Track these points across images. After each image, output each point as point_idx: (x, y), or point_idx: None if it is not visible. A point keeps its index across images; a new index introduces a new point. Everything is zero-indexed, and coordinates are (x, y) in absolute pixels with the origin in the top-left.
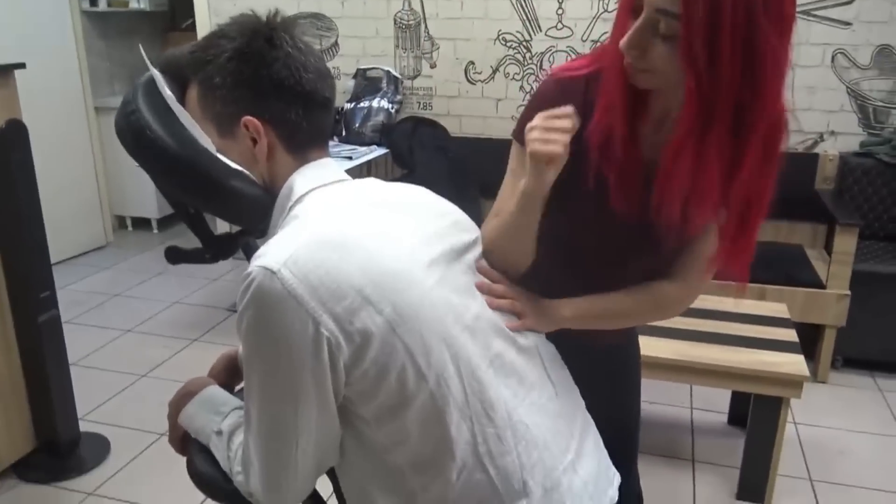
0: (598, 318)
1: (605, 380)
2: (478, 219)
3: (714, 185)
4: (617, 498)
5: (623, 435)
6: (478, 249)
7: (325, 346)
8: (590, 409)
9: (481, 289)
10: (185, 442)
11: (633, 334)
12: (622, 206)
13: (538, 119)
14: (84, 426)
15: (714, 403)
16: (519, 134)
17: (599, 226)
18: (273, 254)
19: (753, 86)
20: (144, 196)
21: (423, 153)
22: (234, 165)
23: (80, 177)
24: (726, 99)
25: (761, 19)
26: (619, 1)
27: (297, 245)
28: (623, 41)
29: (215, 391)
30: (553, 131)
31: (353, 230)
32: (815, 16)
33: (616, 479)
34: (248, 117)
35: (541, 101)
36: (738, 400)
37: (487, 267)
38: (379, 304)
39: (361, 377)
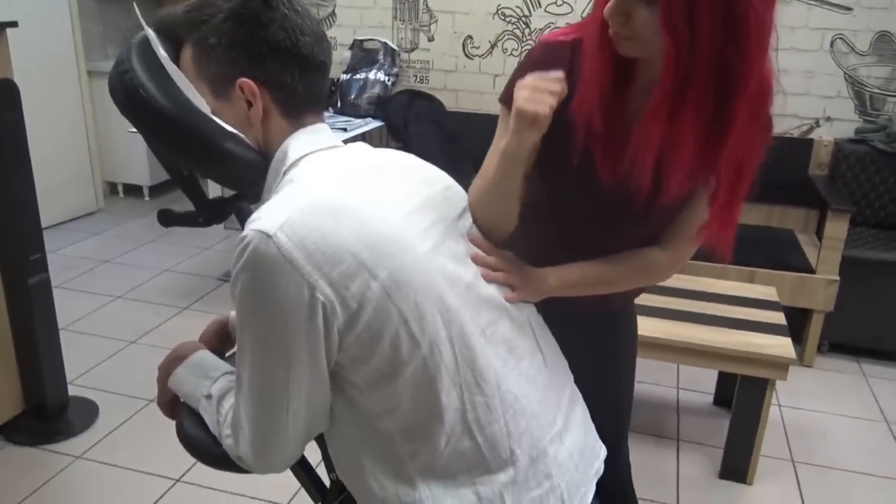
0: (585, 285)
1: (599, 349)
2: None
3: (687, 147)
4: (602, 470)
5: (615, 406)
6: (469, 217)
7: (319, 311)
8: (582, 378)
9: (475, 260)
10: (174, 406)
11: (630, 304)
12: (609, 176)
13: (529, 78)
14: (73, 390)
15: (700, 384)
16: (507, 98)
17: (585, 203)
18: (269, 217)
19: (737, 48)
20: (136, 163)
21: (419, 127)
22: (228, 128)
23: (72, 141)
24: (706, 62)
25: None
26: None
27: (293, 209)
28: (607, 7)
29: (205, 356)
30: (542, 92)
31: (348, 195)
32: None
33: (602, 452)
34: (244, 79)
35: (530, 64)
36: (725, 381)
37: (480, 237)
38: (375, 270)
39: (355, 342)
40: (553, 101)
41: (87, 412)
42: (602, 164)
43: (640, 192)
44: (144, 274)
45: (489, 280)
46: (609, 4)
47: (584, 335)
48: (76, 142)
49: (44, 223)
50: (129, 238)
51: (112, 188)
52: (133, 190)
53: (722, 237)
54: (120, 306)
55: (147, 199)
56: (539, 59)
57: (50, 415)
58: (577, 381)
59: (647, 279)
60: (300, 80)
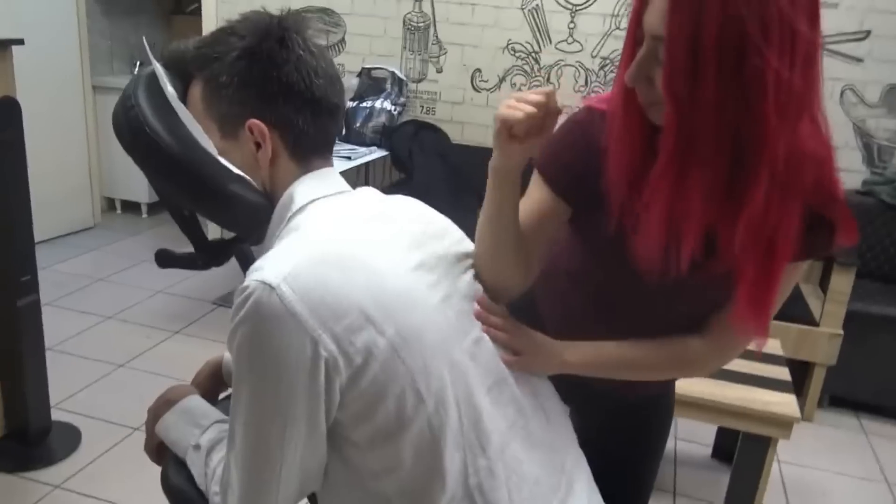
0: (608, 367)
1: (622, 433)
2: (475, 228)
3: (695, 218)
4: None
5: (633, 492)
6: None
7: (322, 367)
8: (600, 460)
9: (478, 316)
10: (161, 452)
11: (663, 393)
12: (638, 251)
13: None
14: (56, 414)
15: (698, 436)
16: (541, 165)
17: (618, 277)
18: (272, 268)
19: (750, 113)
20: (135, 179)
21: (423, 158)
22: (234, 169)
23: (72, 155)
24: (710, 127)
25: (756, 39)
26: (626, 34)
27: (298, 260)
28: (627, 74)
29: (196, 402)
30: (520, 102)
31: (356, 247)
32: (827, 49)
33: None
34: (254, 120)
35: (567, 126)
36: (723, 434)
37: (487, 300)
38: (382, 325)
39: (357, 398)
40: (530, 108)
41: (70, 438)
42: (630, 237)
43: (651, 267)
44: (138, 294)
45: (491, 338)
46: (629, 70)
47: (607, 416)
48: (77, 155)
49: (39, 237)
50: (125, 256)
51: (110, 204)
52: (131, 206)
53: (754, 320)
54: (110, 327)
55: (145, 216)
56: (579, 121)
57: (31, 440)
58: (595, 461)
59: (682, 370)
60: (312, 123)
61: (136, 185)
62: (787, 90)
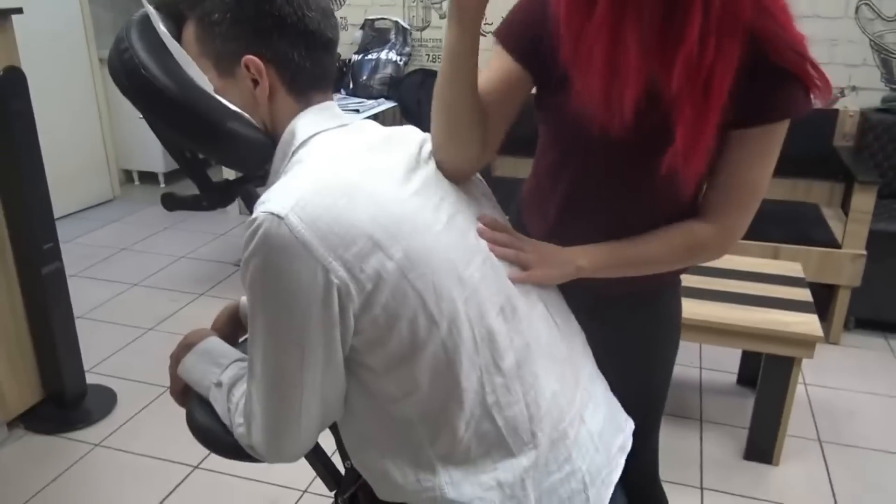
0: (622, 265)
1: (628, 335)
2: (484, 171)
3: (633, 65)
4: (630, 446)
5: (644, 399)
6: (476, 186)
7: (334, 295)
8: (608, 367)
9: (482, 234)
10: (185, 395)
11: (666, 284)
12: (584, 106)
13: None
14: (91, 378)
15: (723, 363)
16: (500, 33)
17: (590, 147)
18: (279, 199)
19: None
20: (151, 150)
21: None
22: (232, 107)
23: (85, 130)
24: None
25: None
26: None
27: (304, 190)
28: None
29: (215, 343)
30: None
31: (360, 174)
32: None
33: (628, 426)
34: (249, 56)
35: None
36: (748, 360)
37: (490, 217)
38: (389, 249)
39: (371, 324)
40: None
41: (106, 400)
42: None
43: (599, 122)
44: (161, 261)
45: (498, 256)
46: None
47: (609, 319)
48: (90, 130)
49: (59, 212)
50: (146, 225)
51: (128, 176)
52: (148, 177)
53: (687, 163)
54: (137, 294)
55: (162, 185)
56: None
57: (69, 403)
58: (603, 370)
59: (694, 257)
60: (307, 57)
61: (152, 155)
62: None
